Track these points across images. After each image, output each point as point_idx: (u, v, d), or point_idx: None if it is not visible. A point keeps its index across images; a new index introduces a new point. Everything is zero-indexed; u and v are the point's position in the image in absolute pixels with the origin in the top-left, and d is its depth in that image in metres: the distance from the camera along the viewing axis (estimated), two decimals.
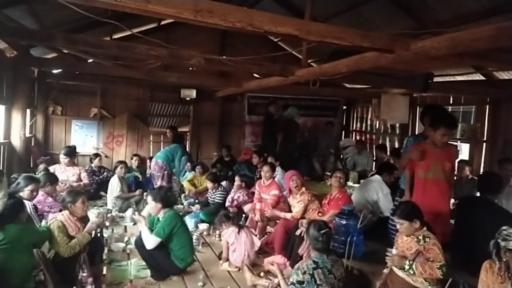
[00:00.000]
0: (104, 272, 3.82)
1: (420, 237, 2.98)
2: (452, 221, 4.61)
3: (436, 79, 6.11)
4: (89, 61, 6.33)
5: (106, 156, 8.11)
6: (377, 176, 5.22)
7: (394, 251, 3.03)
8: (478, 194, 5.27)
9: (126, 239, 4.73)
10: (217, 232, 5.00)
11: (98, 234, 4.03)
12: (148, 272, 3.88)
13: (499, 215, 3.47)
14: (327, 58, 6.60)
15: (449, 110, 7.50)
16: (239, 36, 7.72)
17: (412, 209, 3.12)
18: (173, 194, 3.99)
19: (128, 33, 4.96)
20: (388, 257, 3.02)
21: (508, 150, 6.19)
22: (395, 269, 3.05)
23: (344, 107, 10.27)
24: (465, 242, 3.48)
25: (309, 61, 5.69)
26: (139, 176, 7.16)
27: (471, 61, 4.27)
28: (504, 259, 2.26)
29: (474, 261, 2.49)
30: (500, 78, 6.29)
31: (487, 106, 6.75)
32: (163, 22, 7.32)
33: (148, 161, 7.86)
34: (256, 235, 4.34)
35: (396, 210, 3.22)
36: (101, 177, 6.93)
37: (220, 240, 4.75)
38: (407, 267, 2.88)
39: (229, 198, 5.65)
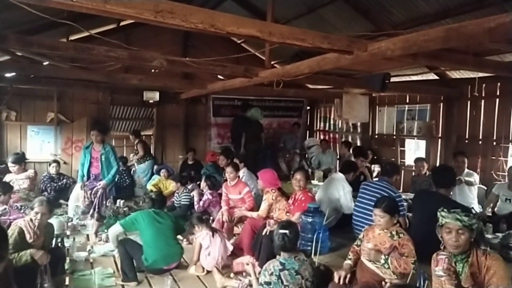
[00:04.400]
0: (67, 283, 3.67)
1: (394, 233, 3.05)
2: (410, 214, 4.85)
3: (393, 79, 6.36)
4: (45, 63, 6.06)
5: (64, 163, 7.78)
6: (340, 174, 5.36)
7: (369, 245, 3.05)
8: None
9: (88, 247, 4.57)
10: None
11: (59, 244, 3.88)
12: (112, 280, 3.78)
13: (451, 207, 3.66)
14: (289, 59, 6.75)
15: (406, 108, 7.88)
16: (202, 38, 7.68)
17: (395, 204, 3.21)
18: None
19: (86, 34, 4.80)
20: (364, 251, 3.05)
21: (461, 145, 6.56)
22: (364, 261, 3.11)
23: (308, 108, 10.48)
24: (421, 234, 3.63)
25: (272, 62, 5.75)
26: None
27: (425, 61, 4.48)
28: (439, 235, 2.40)
29: (430, 252, 2.61)
30: (452, 77, 6.66)
31: (441, 104, 7.12)
32: (122, 23, 7.14)
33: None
34: (227, 239, 4.33)
35: (378, 202, 3.17)
36: (59, 183, 6.65)
37: (189, 243, 4.70)
38: (382, 261, 2.94)
39: (199, 202, 5.61)
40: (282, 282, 2.81)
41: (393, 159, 7.97)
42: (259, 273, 3.18)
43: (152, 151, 8.82)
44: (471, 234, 2.26)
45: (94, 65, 6.04)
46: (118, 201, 6.17)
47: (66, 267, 3.86)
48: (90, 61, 5.61)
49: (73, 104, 8.11)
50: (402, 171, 7.79)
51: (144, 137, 8.84)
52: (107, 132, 5.90)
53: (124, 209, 6.18)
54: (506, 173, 5.27)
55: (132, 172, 7.78)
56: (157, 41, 7.45)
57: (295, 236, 3.00)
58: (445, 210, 2.39)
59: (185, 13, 2.35)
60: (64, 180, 6.74)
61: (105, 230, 5.09)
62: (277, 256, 3.02)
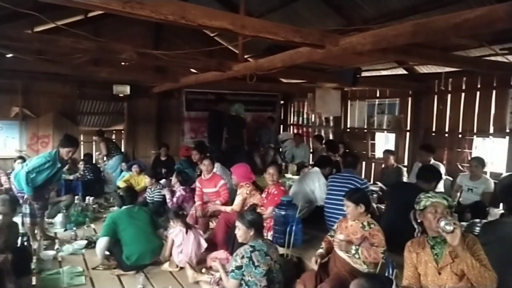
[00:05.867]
0: (34, 283, 3.56)
1: (365, 223, 3.14)
2: (381, 206, 4.98)
3: (363, 74, 6.49)
4: (8, 56, 5.77)
5: None
6: (315, 168, 5.44)
7: (341, 236, 3.12)
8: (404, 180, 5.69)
9: (56, 246, 4.43)
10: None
11: (25, 243, 3.74)
12: (82, 279, 3.70)
13: None
14: (263, 53, 6.73)
15: (376, 102, 8.05)
16: (174, 30, 7.55)
17: (361, 194, 3.30)
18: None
19: (52, 25, 4.62)
20: (336, 243, 3.13)
21: (428, 138, 6.78)
22: (337, 250, 3.18)
23: (282, 102, 10.52)
24: (394, 224, 3.71)
25: (245, 56, 5.74)
26: (71, 178, 6.76)
27: (394, 56, 4.58)
28: (419, 221, 2.47)
29: (402, 241, 2.68)
30: (420, 72, 6.84)
31: (409, 99, 7.30)
32: (90, 14, 6.90)
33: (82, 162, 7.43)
34: (202, 236, 4.30)
35: (347, 192, 3.32)
36: None
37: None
38: (353, 251, 3.02)
39: (173, 199, 5.55)
40: (253, 263, 2.87)
41: (364, 152, 8.16)
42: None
43: (123, 147, 8.65)
44: (450, 217, 2.35)
45: (61, 57, 5.82)
46: (87, 198, 6.03)
47: (32, 266, 3.73)
48: (57, 53, 5.39)
49: (38, 98, 7.77)
50: (373, 164, 8.01)
51: (114, 132, 8.68)
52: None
53: (94, 206, 6.05)
54: (469, 164, 5.50)
55: (102, 169, 7.61)
56: (127, 33, 7.26)
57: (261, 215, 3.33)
58: (430, 192, 2.49)
59: (155, 4, 2.29)
60: None
61: (74, 228, 4.96)
62: None
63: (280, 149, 9.22)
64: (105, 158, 7.81)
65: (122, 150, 8.52)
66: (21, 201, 4.50)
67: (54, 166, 4.60)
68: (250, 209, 3.38)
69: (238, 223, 3.13)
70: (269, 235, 4.14)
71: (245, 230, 3.07)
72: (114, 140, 8.40)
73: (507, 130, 5.69)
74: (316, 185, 5.08)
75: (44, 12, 3.21)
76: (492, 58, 4.98)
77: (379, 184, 6.07)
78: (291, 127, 10.57)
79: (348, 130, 8.79)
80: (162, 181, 6.20)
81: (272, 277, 2.96)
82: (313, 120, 9.74)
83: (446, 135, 6.60)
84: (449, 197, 2.43)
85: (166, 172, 7.14)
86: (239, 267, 2.88)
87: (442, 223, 2.14)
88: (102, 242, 4.01)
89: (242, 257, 2.89)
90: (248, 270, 2.87)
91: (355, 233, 3.14)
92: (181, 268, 3.97)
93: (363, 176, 7.80)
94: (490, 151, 6.00)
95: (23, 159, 6.69)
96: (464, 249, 2.14)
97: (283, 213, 4.05)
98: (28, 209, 4.51)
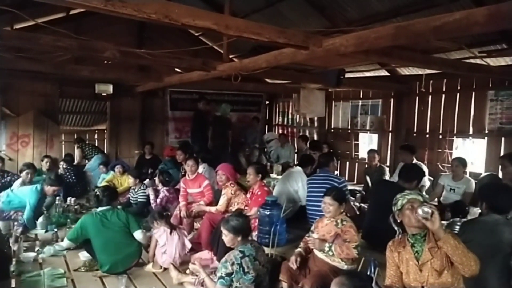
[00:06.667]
0: (13, 285, 3.47)
1: (339, 221, 3.21)
2: (364, 205, 5.05)
3: (347, 75, 6.57)
4: None
5: (10, 159, 7.31)
6: (298, 168, 5.50)
7: (315, 235, 3.19)
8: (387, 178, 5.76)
9: (37, 248, 4.33)
10: None
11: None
12: (64, 281, 3.63)
13: None
14: (247, 53, 6.74)
15: (360, 103, 8.15)
16: (158, 29, 7.49)
17: (343, 193, 3.38)
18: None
19: (32, 23, 4.52)
20: (310, 241, 3.19)
21: (410, 139, 6.91)
22: (315, 251, 3.23)
23: (267, 102, 10.55)
24: (377, 223, 3.77)
25: (230, 56, 5.72)
26: None
27: (376, 58, 4.63)
28: (398, 221, 2.50)
29: (385, 240, 2.72)
30: (402, 74, 6.97)
31: (392, 100, 7.43)
32: (72, 12, 6.79)
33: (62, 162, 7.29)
34: (186, 236, 4.26)
35: (328, 191, 3.33)
36: (3, 181, 6.21)
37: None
38: (327, 249, 3.08)
39: (157, 200, 5.49)
40: (243, 269, 2.86)
41: (348, 152, 8.25)
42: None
43: (105, 147, 8.53)
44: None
45: (42, 55, 5.69)
46: (68, 199, 5.92)
47: (12, 269, 3.64)
48: (38, 51, 5.28)
49: (18, 96, 7.59)
50: (356, 164, 8.11)
51: (96, 131, 8.54)
52: None
53: (75, 207, 5.95)
54: (450, 165, 5.61)
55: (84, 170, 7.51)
56: (110, 31, 7.16)
57: (248, 219, 3.23)
58: (405, 191, 2.57)
59: (138, 2, 2.27)
60: (9, 178, 6.28)
61: (55, 229, 4.87)
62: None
63: (265, 149, 9.24)
64: (86, 161, 7.73)
65: (105, 150, 8.40)
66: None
67: (42, 199, 4.90)
68: (236, 213, 3.32)
69: (224, 230, 3.04)
70: (253, 235, 4.15)
71: (232, 237, 3.00)
72: (90, 143, 8.35)
73: (486, 131, 5.84)
74: (300, 185, 5.12)
75: (24, 9, 3.15)
76: (472, 60, 5.10)
77: (360, 189, 6.16)
78: (276, 127, 10.61)
79: (332, 130, 8.88)
80: (146, 181, 6.13)
81: (260, 282, 2.97)
82: (297, 120, 9.81)
83: (427, 135, 6.73)
84: (423, 194, 2.50)
85: (151, 172, 7.06)
86: (229, 274, 2.85)
87: (420, 210, 2.21)
88: (64, 244, 4.13)
89: (233, 264, 2.86)
90: (238, 277, 2.85)
91: (330, 231, 3.21)
92: (165, 269, 3.93)
93: (346, 176, 7.93)
94: (470, 151, 6.14)
95: (1, 159, 6.54)
96: (446, 232, 2.21)
97: (267, 213, 4.07)
98: (22, 220, 4.62)
